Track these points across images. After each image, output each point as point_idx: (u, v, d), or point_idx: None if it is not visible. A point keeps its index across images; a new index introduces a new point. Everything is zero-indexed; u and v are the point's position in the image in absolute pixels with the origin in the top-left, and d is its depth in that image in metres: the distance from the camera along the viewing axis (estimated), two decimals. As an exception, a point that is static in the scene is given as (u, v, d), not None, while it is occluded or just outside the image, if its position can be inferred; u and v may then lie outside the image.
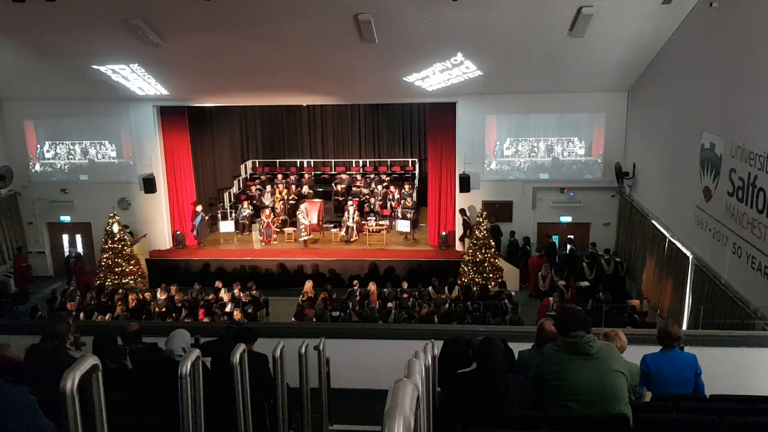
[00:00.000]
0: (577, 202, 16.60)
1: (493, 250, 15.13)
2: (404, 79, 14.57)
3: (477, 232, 15.04)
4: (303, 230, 17.83)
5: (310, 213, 18.20)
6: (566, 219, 16.82)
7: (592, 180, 16.42)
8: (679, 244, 11.90)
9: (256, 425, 4.00)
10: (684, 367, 5.28)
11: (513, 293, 14.33)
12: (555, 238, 16.71)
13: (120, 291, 14.55)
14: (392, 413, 1.04)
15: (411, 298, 13.50)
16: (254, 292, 14.20)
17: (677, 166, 12.20)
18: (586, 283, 14.18)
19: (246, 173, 23.41)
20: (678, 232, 12.07)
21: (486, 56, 13.62)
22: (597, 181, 16.37)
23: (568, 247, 16.20)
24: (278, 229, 18.54)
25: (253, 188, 21.23)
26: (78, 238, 18.05)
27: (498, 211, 16.60)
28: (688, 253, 11.44)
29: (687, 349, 5.67)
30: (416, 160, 23.03)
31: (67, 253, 17.81)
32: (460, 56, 13.51)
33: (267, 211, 18.47)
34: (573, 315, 4.06)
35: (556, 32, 12.23)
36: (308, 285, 14.19)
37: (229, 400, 3.73)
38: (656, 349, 5.41)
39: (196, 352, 2.83)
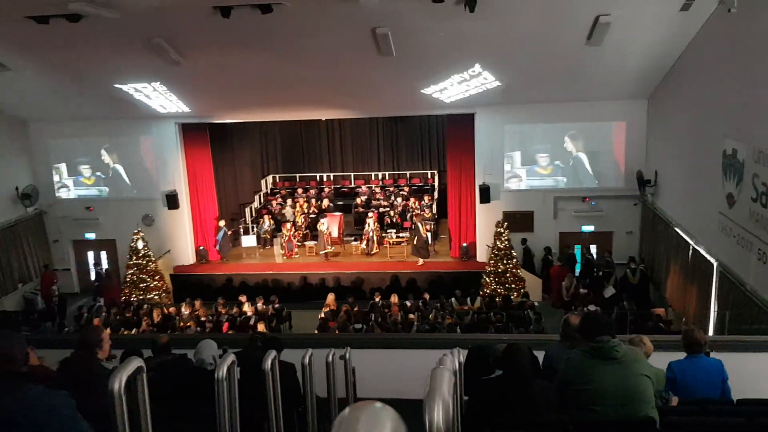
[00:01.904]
0: (599, 211, 16.52)
1: (515, 260, 15.10)
2: (422, 91, 14.67)
3: (499, 243, 15.03)
4: (324, 243, 17.93)
5: (330, 226, 18.32)
6: (588, 228, 16.74)
7: (614, 188, 16.35)
8: (703, 251, 11.80)
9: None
10: (710, 372, 5.25)
11: (536, 303, 14.28)
12: (577, 248, 16.64)
13: (145, 306, 14.74)
14: (432, 397, 1.09)
15: (433, 310, 13.51)
16: (277, 305, 14.31)
17: (699, 173, 12.12)
18: (612, 290, 14.07)
19: (267, 188, 23.62)
20: (702, 239, 11.97)
21: (504, 67, 13.68)
22: (619, 190, 16.29)
23: (594, 256, 16.16)
24: (299, 243, 18.67)
25: (274, 203, 21.42)
26: (103, 254, 18.33)
27: (519, 221, 16.56)
28: (712, 260, 11.34)
29: (713, 354, 5.64)
30: (435, 171, 23.09)
31: (96, 270, 18.12)
32: (477, 67, 13.58)
33: (288, 225, 18.62)
34: (598, 320, 4.09)
35: (573, 41, 12.26)
36: (330, 298, 14.27)
37: (260, 407, 3.81)
38: (681, 355, 5.40)
39: (232, 357, 2.91)
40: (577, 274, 15.90)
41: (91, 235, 18.08)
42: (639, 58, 13.25)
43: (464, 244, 17.46)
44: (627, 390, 3.76)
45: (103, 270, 17.87)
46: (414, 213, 18.67)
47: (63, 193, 17.85)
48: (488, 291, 14.95)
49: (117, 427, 1.92)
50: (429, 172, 23.30)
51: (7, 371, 2.79)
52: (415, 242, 17.29)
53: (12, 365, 2.83)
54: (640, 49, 12.80)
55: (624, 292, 13.90)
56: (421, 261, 17.18)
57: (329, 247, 17.88)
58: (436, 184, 22.54)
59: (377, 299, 14.38)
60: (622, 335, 4.85)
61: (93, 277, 18.26)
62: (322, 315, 13.75)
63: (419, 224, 17.35)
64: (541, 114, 16.06)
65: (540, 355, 5.28)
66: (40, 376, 3.20)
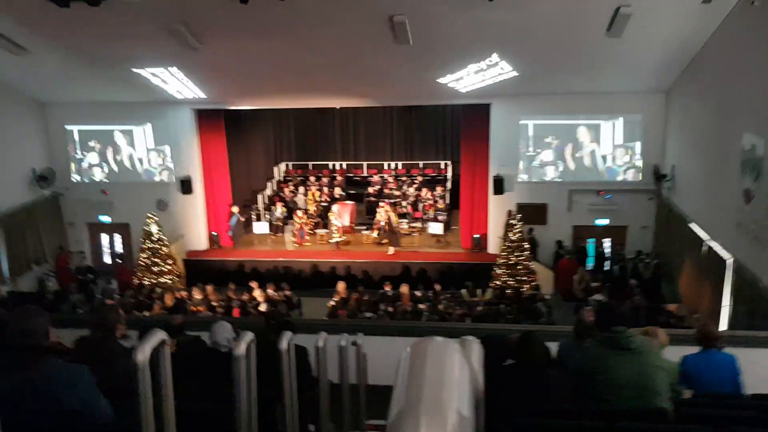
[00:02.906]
0: (614, 205, 16.44)
1: (527, 253, 15.07)
2: (438, 80, 14.62)
3: (511, 235, 15.00)
4: (335, 232, 17.98)
5: (342, 215, 18.35)
6: (602, 222, 16.67)
7: (630, 182, 16.25)
8: (718, 247, 11.73)
9: (299, 415, 4.09)
10: (723, 367, 5.25)
11: (547, 296, 14.25)
12: (590, 242, 16.58)
13: (158, 290, 14.86)
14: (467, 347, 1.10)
15: (443, 300, 13.52)
16: (288, 292, 14.37)
17: (717, 168, 12.03)
18: (634, 282, 14.01)
19: (279, 175, 23.69)
20: (717, 234, 11.89)
21: (522, 57, 13.60)
22: (634, 184, 16.20)
23: (607, 250, 16.12)
24: (311, 231, 18.72)
25: (287, 190, 21.48)
26: (117, 238, 18.47)
27: (533, 213, 16.50)
28: (727, 255, 11.27)
29: (726, 350, 5.62)
30: (449, 162, 23.04)
31: (111, 253, 18.29)
32: (495, 57, 13.51)
33: (300, 213, 18.67)
34: (613, 311, 4.09)
35: (593, 32, 12.15)
36: (341, 286, 14.31)
37: (274, 388, 3.84)
38: (695, 350, 5.39)
39: (250, 335, 2.93)
40: (589, 267, 15.86)
41: (105, 219, 18.22)
42: (659, 50, 13.13)
43: (476, 236, 17.44)
44: (641, 381, 3.76)
45: (117, 253, 18.01)
46: (386, 203, 18.57)
47: (84, 176, 17.95)
48: (499, 283, 14.93)
49: (140, 398, 1.95)
50: (442, 162, 23.26)
51: (28, 345, 2.84)
52: (386, 231, 17.38)
53: (33, 339, 2.87)
54: (660, 41, 12.68)
55: (636, 286, 13.85)
56: (391, 250, 17.23)
57: (339, 235, 17.89)
58: (449, 174, 22.49)
59: (387, 289, 14.41)
60: (635, 329, 4.85)
61: (107, 259, 18.41)
62: (332, 303, 13.80)
63: (391, 214, 17.38)
64: (557, 105, 15.98)
65: (550, 347, 5.29)
66: (60, 352, 3.24)
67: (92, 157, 17.91)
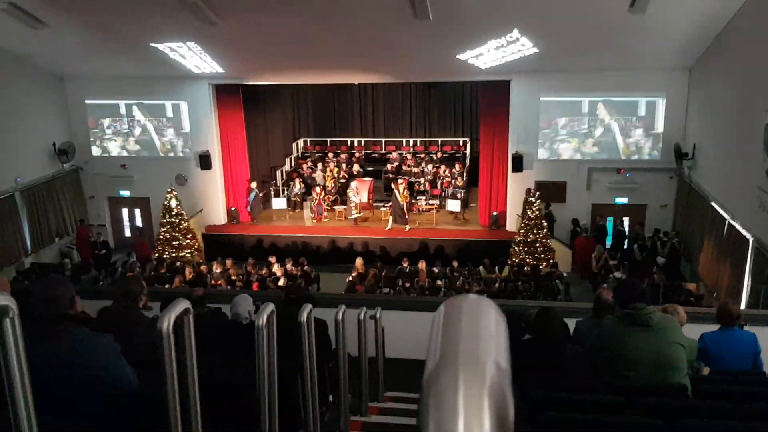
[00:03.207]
0: (634, 183, 16.27)
1: (545, 230, 15.01)
2: (458, 56, 14.48)
3: (529, 212, 14.94)
4: (353, 208, 18.00)
5: (360, 191, 18.36)
6: (622, 200, 16.53)
7: (650, 160, 16.07)
8: (739, 227, 11.59)
9: (318, 386, 4.15)
10: (743, 345, 5.22)
11: (565, 274, 14.21)
12: (609, 220, 16.46)
13: (177, 264, 15.03)
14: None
15: (461, 277, 13.54)
16: (306, 267, 14.46)
17: (739, 147, 11.84)
18: (662, 260, 13.92)
19: (297, 152, 23.71)
20: (738, 214, 11.75)
21: (543, 33, 13.40)
22: (654, 162, 16.01)
23: (626, 228, 16.01)
24: (329, 207, 18.76)
25: (305, 166, 21.50)
26: (137, 212, 18.67)
27: (551, 191, 16.40)
28: (748, 235, 11.14)
29: (747, 328, 5.59)
30: (468, 139, 22.89)
31: (131, 227, 18.52)
32: (516, 33, 13.32)
33: (318, 189, 18.71)
34: (633, 287, 4.08)
35: (616, 8, 11.93)
36: (359, 262, 14.37)
37: (294, 360, 3.89)
38: (714, 328, 5.36)
39: (271, 306, 2.97)
40: (608, 246, 15.78)
41: (125, 193, 18.40)
42: (682, 28, 12.87)
43: (494, 213, 17.38)
44: (660, 357, 3.76)
45: (136, 227, 18.23)
46: (393, 181, 18.50)
47: (98, 151, 18.10)
48: (517, 260, 14.90)
49: (165, 365, 1.98)
50: (461, 139, 23.11)
51: (52, 314, 2.89)
52: (393, 210, 17.41)
53: (58, 308, 2.92)
54: (684, 18, 12.42)
55: (654, 265, 13.76)
56: (407, 227, 17.31)
57: (357, 212, 17.91)
58: (468, 151, 22.37)
59: (405, 265, 14.45)
60: (654, 306, 4.83)
61: (128, 233, 18.65)
62: (350, 278, 13.88)
63: (397, 191, 17.36)
64: (578, 83, 15.77)
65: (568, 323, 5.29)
66: (84, 321, 3.30)
67: (111, 132, 18.04)
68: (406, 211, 17.30)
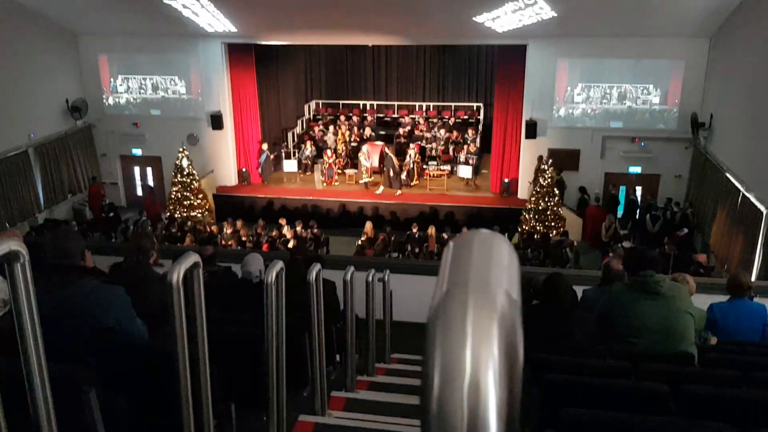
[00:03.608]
0: (648, 153, 16.10)
1: (557, 198, 14.94)
2: (474, 18, 14.23)
3: (541, 180, 14.84)
4: (364, 172, 17.96)
5: (371, 155, 18.28)
6: (635, 170, 16.38)
7: (666, 130, 15.86)
8: (753, 199, 11.48)
9: (326, 346, 4.19)
10: (752, 316, 5.21)
11: (575, 243, 14.18)
12: (622, 190, 16.34)
13: (188, 223, 15.12)
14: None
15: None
16: (315, 230, 14.51)
17: (758, 118, 11.66)
18: (685, 230, 13.85)
19: (309, 114, 23.58)
20: (753, 186, 11.62)
21: (560, -3, 13.15)
22: (670, 132, 15.80)
23: (638, 198, 15.90)
24: (340, 171, 18.73)
25: (316, 129, 21.39)
26: (149, 171, 18.72)
27: (565, 159, 16.26)
28: (762, 207, 11.04)
29: (757, 299, 5.58)
30: (481, 105, 22.66)
31: (142, 185, 18.60)
32: (533, -4, 13.08)
33: (329, 152, 18.66)
34: (643, 254, 4.06)
35: (636, -28, 11.67)
36: (368, 226, 14.40)
37: (302, 319, 3.92)
38: (723, 299, 5.35)
39: (280, 264, 2.98)
40: (619, 215, 15.70)
41: (137, 151, 18.44)
42: (704, -7, 12.58)
43: (506, 180, 17.30)
44: (668, 325, 3.76)
45: (148, 186, 18.29)
46: (384, 145, 18.48)
47: (111, 109, 18.09)
48: (527, 228, 14.87)
49: (174, 317, 2.00)
50: (475, 104, 22.87)
51: (64, 264, 2.91)
52: (391, 174, 17.42)
53: (69, 259, 2.94)
54: (706, -17, 12.13)
55: (666, 235, 13.69)
56: (380, 189, 17.40)
57: (368, 176, 17.88)
58: (482, 117, 22.16)
59: (414, 230, 14.47)
60: (664, 275, 4.82)
61: (140, 192, 18.74)
62: (360, 242, 13.93)
63: (392, 156, 17.40)
64: (596, 48, 15.49)
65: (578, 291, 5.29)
66: (96, 273, 3.33)
67: (123, 89, 18.00)
68: (400, 175, 17.32)
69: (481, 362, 0.45)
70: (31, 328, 1.56)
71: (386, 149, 17.71)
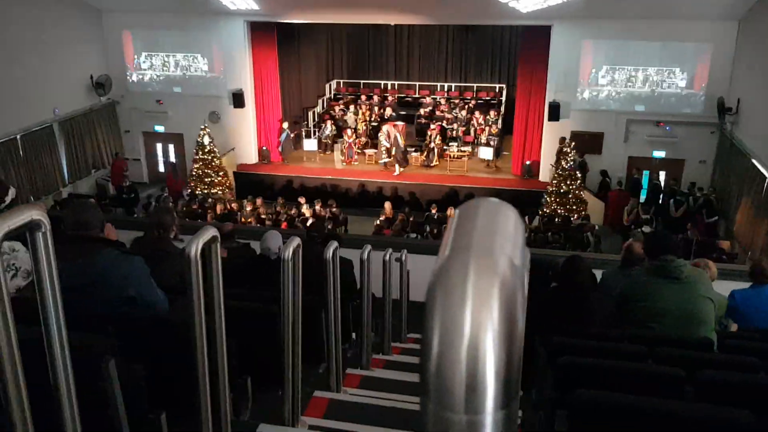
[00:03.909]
0: (673, 137, 15.86)
1: (578, 182, 14.80)
2: (498, -1, 14.06)
3: (563, 163, 14.71)
4: (384, 152, 17.92)
5: (391, 136, 18.22)
6: (659, 154, 16.15)
7: (691, 114, 15.59)
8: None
9: (342, 324, 4.22)
10: (774, 303, 5.14)
11: (596, 227, 14.07)
12: (645, 174, 16.13)
13: (209, 200, 15.24)
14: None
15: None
16: (334, 209, 14.55)
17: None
18: (716, 218, 13.70)
19: (330, 93, 23.52)
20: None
21: (587, -23, 12.93)
22: (696, 116, 15.53)
23: (662, 182, 15.71)
24: (359, 151, 18.70)
25: (337, 108, 21.36)
26: (171, 147, 18.86)
27: (587, 142, 16.08)
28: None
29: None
30: (504, 86, 22.43)
31: (164, 162, 18.76)
32: (559, -24, 12.87)
33: (349, 132, 18.63)
34: (664, 239, 4.01)
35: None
36: (387, 206, 14.39)
37: (319, 296, 3.95)
38: (745, 286, 5.28)
39: (297, 240, 2.99)
40: (642, 200, 15.52)
41: (160, 128, 18.56)
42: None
43: (527, 162, 17.16)
44: (687, 310, 3.72)
45: (170, 163, 18.44)
46: (392, 124, 18.39)
47: (134, 86, 18.20)
48: (548, 211, 14.77)
49: (192, 290, 2.02)
50: (497, 85, 22.65)
51: (83, 235, 2.94)
52: (394, 152, 17.42)
53: (89, 230, 2.97)
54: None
55: (689, 221, 13.54)
56: (397, 170, 17.34)
57: (387, 156, 17.83)
58: (504, 98, 21.95)
59: (433, 211, 14.44)
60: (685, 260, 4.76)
61: (161, 168, 18.90)
62: (378, 222, 13.94)
63: (398, 134, 17.37)
64: (622, 29, 15.22)
65: (597, 275, 5.25)
66: (116, 244, 3.36)
67: (147, 66, 18.09)
68: (406, 156, 17.51)
69: (481, 324, 0.45)
70: (52, 296, 1.58)
71: (393, 129, 17.62)
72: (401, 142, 17.29)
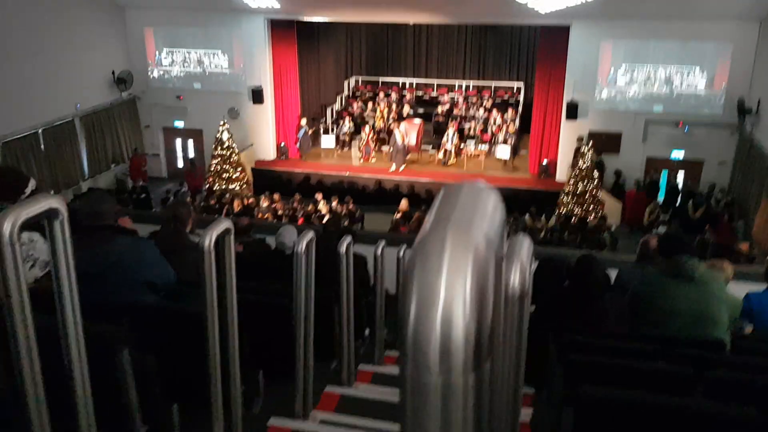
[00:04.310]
0: (692, 138, 15.70)
1: (596, 182, 14.72)
2: (517, -2, 14.01)
3: (581, 163, 14.63)
4: (395, 154, 17.90)
5: (409, 133, 18.23)
6: (678, 155, 16.00)
7: (711, 115, 15.43)
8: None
9: (355, 320, 4.25)
10: (791, 307, 5.08)
11: (613, 227, 13.98)
12: (664, 174, 15.98)
13: (227, 195, 15.36)
14: (510, 259, 1.12)
15: (506, 224, 13.43)
16: (351, 206, 14.60)
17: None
18: (741, 222, 13.60)
19: (349, 90, 23.58)
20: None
21: (607, -25, 12.84)
22: (716, 117, 15.36)
23: (679, 184, 15.55)
24: (377, 148, 18.74)
25: (355, 105, 21.41)
26: (190, 143, 19.02)
27: (605, 142, 15.98)
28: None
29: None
30: (522, 85, 22.35)
31: (183, 157, 18.93)
32: (579, -25, 12.80)
33: (367, 129, 18.67)
34: (678, 238, 4.00)
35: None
36: (404, 203, 14.42)
37: (332, 291, 3.98)
38: (761, 288, 5.23)
39: (311, 234, 3.03)
40: (659, 200, 15.39)
41: (180, 124, 18.73)
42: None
43: (544, 162, 17.09)
44: (700, 310, 3.71)
45: (189, 159, 18.61)
46: (394, 120, 18.53)
47: (155, 81, 18.39)
48: (565, 211, 14.70)
49: (205, 281, 2.06)
50: (515, 85, 22.57)
51: (97, 225, 3.01)
52: (391, 150, 17.56)
53: (102, 220, 3.04)
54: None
55: (707, 222, 13.39)
56: (393, 167, 17.41)
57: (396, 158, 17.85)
58: (522, 98, 21.86)
59: (450, 209, 14.41)
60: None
61: (180, 164, 19.08)
62: (395, 218, 13.96)
63: (396, 131, 17.45)
64: (641, 29, 15.10)
65: (612, 275, 5.24)
66: (131, 233, 3.42)
67: (168, 62, 18.27)
68: (403, 153, 17.55)
69: (455, 293, 0.48)
70: (69, 285, 1.63)
71: (396, 127, 17.68)
72: (400, 139, 17.33)
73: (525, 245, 1.17)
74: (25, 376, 1.57)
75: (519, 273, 1.09)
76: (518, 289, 1.10)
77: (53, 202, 1.48)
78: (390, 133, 19.25)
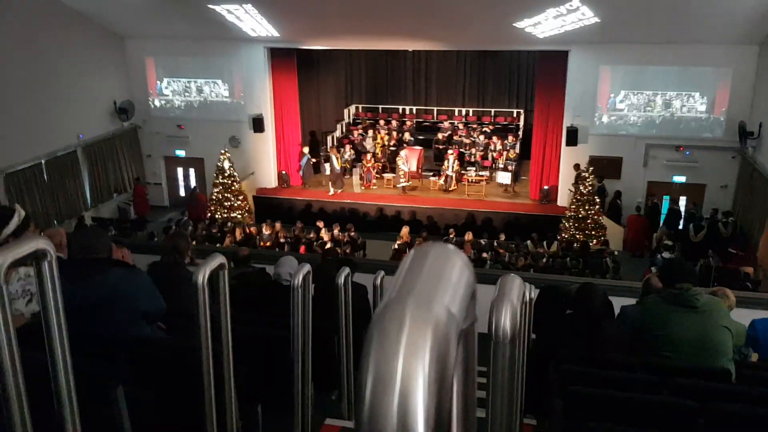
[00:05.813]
0: (693, 162, 15.71)
1: (597, 207, 14.71)
2: (515, 24, 14.13)
3: (582, 188, 14.63)
4: (402, 177, 17.97)
5: (409, 160, 18.28)
6: (680, 179, 15.99)
7: (712, 139, 15.45)
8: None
9: (355, 351, 4.20)
10: (796, 334, 5.02)
11: (615, 253, 13.93)
12: (666, 199, 15.97)
13: (229, 224, 15.36)
14: (500, 301, 1.10)
15: (507, 253, 13.42)
16: (353, 233, 14.59)
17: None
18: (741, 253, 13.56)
19: (349, 118, 23.71)
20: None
21: (604, 1, 12.95)
22: (717, 141, 15.39)
23: (681, 208, 15.52)
24: (378, 175, 18.78)
25: (356, 133, 21.50)
26: (191, 171, 19.09)
27: (606, 167, 15.99)
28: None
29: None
30: (521, 110, 22.46)
31: (185, 186, 18.99)
32: (576, 1, 12.91)
33: (368, 156, 18.73)
34: (680, 266, 3.97)
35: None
36: (405, 230, 14.41)
37: (331, 322, 3.95)
38: (766, 314, 5.18)
39: (307, 267, 3.01)
40: (661, 225, 15.36)
41: (181, 152, 18.82)
42: (754, -1, 12.24)
43: (545, 187, 17.10)
44: (704, 340, 3.66)
45: (192, 188, 18.66)
46: (329, 146, 19.05)
47: (156, 111, 18.52)
48: (566, 236, 14.67)
49: (199, 317, 2.04)
50: (515, 110, 22.69)
51: (89, 258, 2.99)
52: (329, 173, 18.04)
53: (95, 253, 3.02)
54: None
55: (711, 247, 13.33)
56: (332, 191, 17.81)
57: (406, 180, 17.88)
58: (522, 123, 21.96)
59: (451, 236, 14.41)
60: (704, 288, 4.69)
61: (182, 192, 19.13)
62: (396, 246, 13.94)
63: (333, 156, 17.96)
64: (640, 54, 15.20)
65: (614, 301, 5.19)
66: (123, 264, 3.41)
67: (168, 92, 18.42)
68: (343, 177, 18.07)
69: (412, 375, 0.46)
70: (57, 324, 1.61)
71: (331, 152, 18.34)
72: (337, 164, 17.87)
73: (515, 286, 1.15)
74: (13, 414, 1.54)
75: (509, 316, 1.07)
76: (509, 332, 1.08)
77: (41, 243, 1.47)
78: (389, 159, 19.33)
